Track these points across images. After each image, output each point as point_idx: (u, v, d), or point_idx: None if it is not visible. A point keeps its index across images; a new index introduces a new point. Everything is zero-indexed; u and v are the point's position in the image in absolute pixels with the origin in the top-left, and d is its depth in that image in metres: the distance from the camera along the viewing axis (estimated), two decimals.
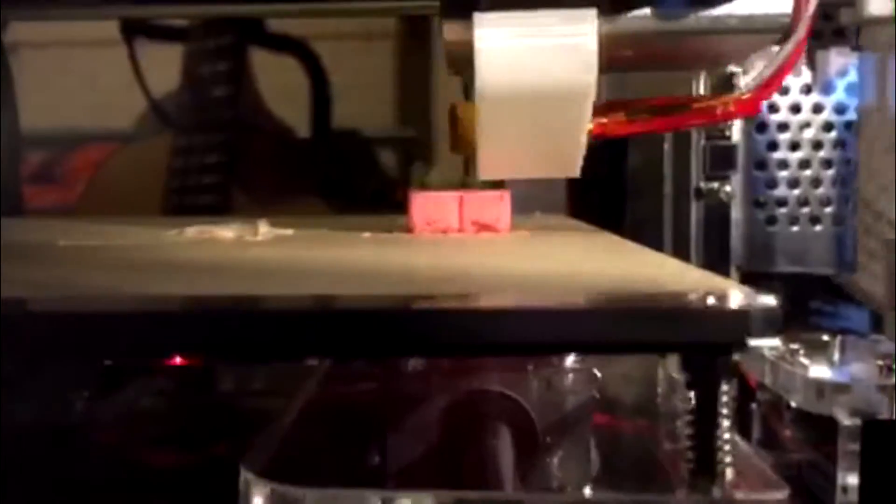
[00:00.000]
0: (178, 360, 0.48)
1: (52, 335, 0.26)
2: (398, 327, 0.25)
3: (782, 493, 0.26)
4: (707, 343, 0.25)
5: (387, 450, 0.32)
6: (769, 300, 0.25)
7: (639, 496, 0.27)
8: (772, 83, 0.41)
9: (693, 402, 0.26)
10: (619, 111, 0.43)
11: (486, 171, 0.44)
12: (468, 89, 0.42)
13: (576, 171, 0.43)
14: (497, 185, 0.49)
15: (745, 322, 0.24)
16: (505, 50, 0.38)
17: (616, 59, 0.41)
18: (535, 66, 0.38)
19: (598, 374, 0.34)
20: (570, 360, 0.34)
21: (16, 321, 0.26)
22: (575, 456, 0.32)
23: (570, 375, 0.33)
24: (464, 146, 0.43)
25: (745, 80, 0.43)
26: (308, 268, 0.36)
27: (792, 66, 0.41)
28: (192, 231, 0.45)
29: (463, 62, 0.39)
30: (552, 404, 0.33)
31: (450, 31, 0.39)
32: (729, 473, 0.26)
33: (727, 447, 0.26)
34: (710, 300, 0.25)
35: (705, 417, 0.26)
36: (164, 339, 0.26)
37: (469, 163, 0.48)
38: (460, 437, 0.31)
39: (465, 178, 0.49)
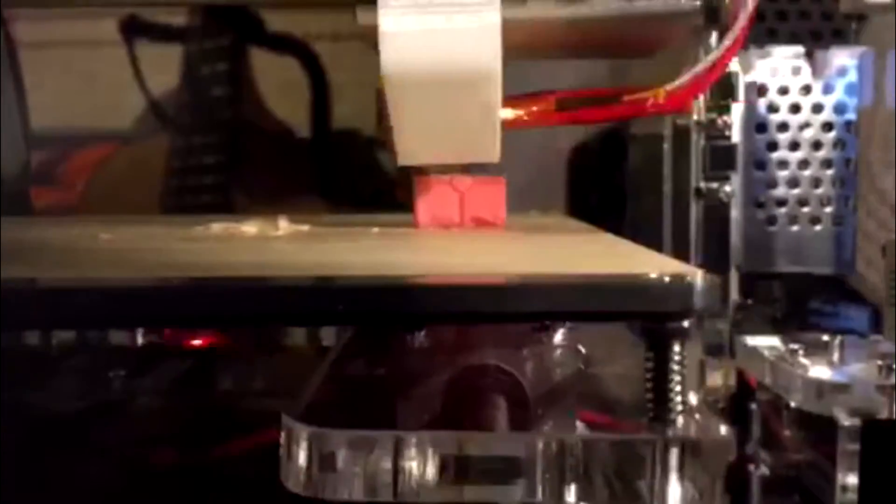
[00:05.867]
0: (197, 341, 0.50)
1: (85, 307, 0.29)
2: (394, 300, 0.30)
3: (723, 433, 0.30)
4: (658, 311, 0.30)
5: (396, 417, 0.35)
6: (711, 277, 0.30)
7: (609, 434, 0.31)
8: (704, 80, 0.42)
9: (651, 362, 0.31)
10: (549, 100, 0.43)
11: (404, 156, 0.45)
12: None
13: (494, 157, 0.44)
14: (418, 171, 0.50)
15: (689, 293, 0.30)
16: (409, 33, 0.38)
17: (525, 44, 0.41)
18: (440, 50, 0.38)
19: (583, 350, 0.37)
20: (558, 337, 0.37)
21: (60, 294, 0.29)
22: (563, 422, 0.35)
23: (559, 351, 0.37)
24: (386, 131, 0.44)
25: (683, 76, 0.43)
26: (328, 256, 0.40)
27: (726, 63, 0.41)
28: (218, 227, 0.48)
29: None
30: (543, 377, 0.36)
31: (362, 15, 0.40)
32: (680, 420, 0.31)
33: (678, 398, 0.31)
34: (665, 278, 0.30)
35: (660, 374, 0.31)
36: (191, 310, 0.30)
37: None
38: (461, 407, 0.34)
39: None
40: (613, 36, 0.43)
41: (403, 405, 0.35)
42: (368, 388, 0.37)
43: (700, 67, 0.41)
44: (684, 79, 0.42)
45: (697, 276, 0.30)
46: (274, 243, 0.44)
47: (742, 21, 0.40)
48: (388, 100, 0.40)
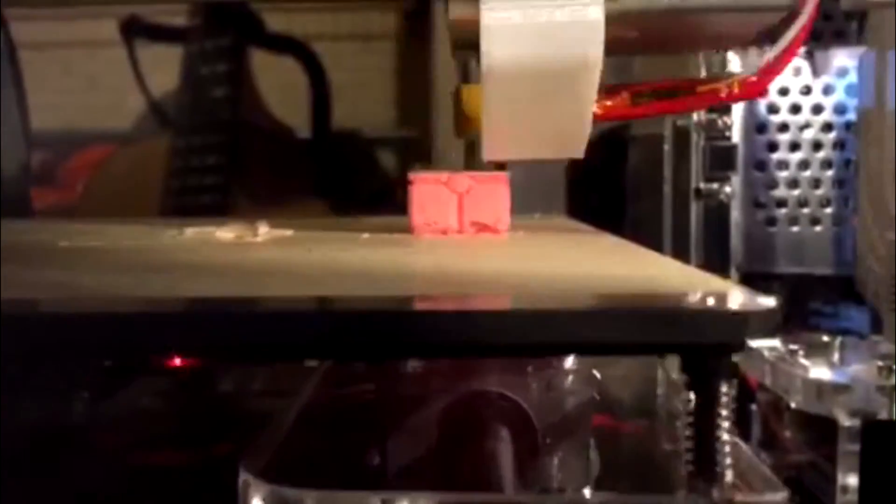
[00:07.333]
0: (177, 361, 0.49)
1: (53, 335, 0.26)
2: (397, 329, 0.25)
3: (781, 495, 0.26)
4: (705, 344, 0.25)
5: (386, 451, 0.32)
6: (768, 301, 0.25)
7: (638, 497, 0.27)
8: (777, 65, 0.41)
9: (692, 403, 0.26)
10: (624, 94, 0.42)
11: (491, 151, 0.44)
12: (467, 73, 0.42)
13: (580, 153, 0.43)
14: (499, 167, 0.48)
15: (743, 323, 0.24)
16: (511, 26, 0.38)
17: (623, 38, 0.40)
18: (542, 43, 0.38)
19: (598, 376, 0.34)
20: (569, 361, 0.34)
21: (18, 321, 0.26)
22: (575, 457, 0.32)
23: (570, 377, 0.34)
24: (468, 128, 0.43)
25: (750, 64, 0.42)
26: (305, 269, 0.36)
27: (797, 48, 0.41)
28: (192, 232, 0.46)
29: (468, 42, 0.39)
30: (552, 405, 0.33)
31: (456, 9, 0.39)
32: (728, 475, 0.26)
33: (727, 449, 0.26)
34: (710, 301, 0.25)
35: (704, 419, 0.26)
36: (163, 340, 0.26)
37: (467, 153, 0.48)
38: (460, 439, 0.32)
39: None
40: (709, 28, 0.43)
41: (395, 437, 0.31)
42: (355, 417, 0.34)
43: (772, 55, 0.41)
44: (758, 68, 0.41)
45: (753, 301, 0.25)
46: (246, 250, 0.41)
47: (808, 8, 0.40)
48: (485, 93, 0.39)
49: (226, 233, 0.44)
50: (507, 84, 0.39)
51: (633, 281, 0.31)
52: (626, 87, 0.43)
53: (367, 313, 0.26)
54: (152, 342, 0.26)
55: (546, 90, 0.39)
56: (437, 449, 0.31)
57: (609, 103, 0.42)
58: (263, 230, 0.45)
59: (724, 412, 0.26)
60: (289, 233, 0.46)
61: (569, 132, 0.42)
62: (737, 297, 0.25)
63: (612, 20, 0.38)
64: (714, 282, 0.30)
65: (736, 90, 0.42)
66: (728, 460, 0.26)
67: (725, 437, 0.26)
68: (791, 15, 0.40)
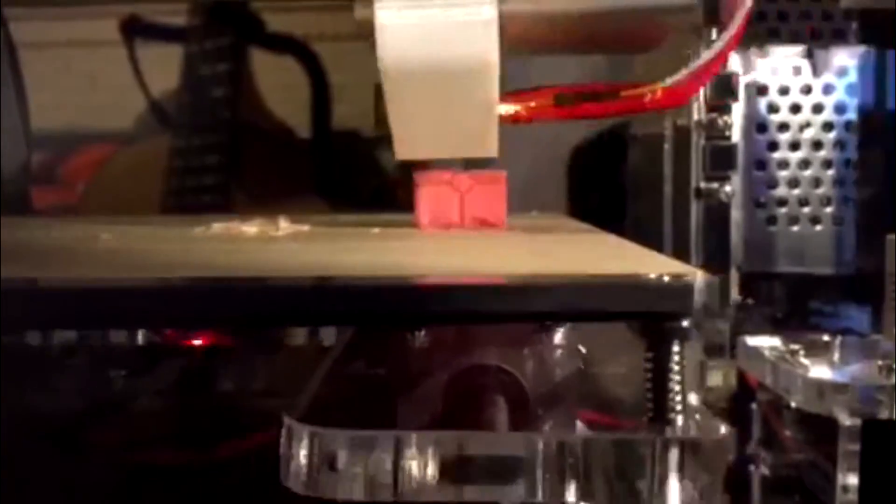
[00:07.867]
0: (197, 341, 0.50)
1: (87, 308, 0.30)
2: (394, 300, 0.30)
3: (723, 433, 0.30)
4: (657, 311, 0.30)
5: (397, 417, 0.35)
6: (710, 277, 0.30)
7: (608, 434, 0.31)
8: (701, 76, 0.42)
9: (650, 362, 0.31)
10: (547, 96, 0.43)
11: (401, 150, 0.45)
12: None
13: (493, 152, 0.44)
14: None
15: (687, 292, 0.30)
16: (406, 26, 0.38)
17: (523, 39, 0.41)
18: (437, 43, 0.39)
19: (583, 350, 0.38)
20: (558, 337, 0.38)
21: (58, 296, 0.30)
22: (563, 422, 0.36)
23: (559, 351, 0.37)
24: (384, 125, 0.44)
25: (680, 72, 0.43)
26: (328, 257, 0.40)
27: (723, 60, 0.41)
28: (219, 227, 0.48)
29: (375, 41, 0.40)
30: (543, 377, 0.36)
31: (359, 9, 0.40)
32: (679, 419, 0.30)
33: (678, 398, 0.30)
34: (664, 278, 0.30)
35: (659, 374, 0.30)
36: (190, 312, 0.30)
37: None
38: (462, 407, 0.34)
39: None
40: (610, 30, 0.43)
41: (404, 405, 0.35)
42: (369, 389, 0.37)
43: (697, 64, 0.41)
44: (682, 75, 0.42)
45: (696, 276, 0.30)
46: (275, 243, 0.44)
47: (739, 18, 0.40)
48: (386, 94, 0.41)
49: (250, 227, 0.47)
50: (406, 84, 0.40)
51: (610, 267, 0.35)
52: (550, 89, 0.43)
53: (379, 287, 0.30)
54: (179, 314, 0.30)
55: (446, 90, 0.40)
56: (441, 415, 0.34)
57: (533, 104, 0.43)
58: (284, 225, 0.48)
59: (675, 368, 0.30)
60: (305, 228, 0.49)
61: (476, 131, 0.43)
62: (686, 275, 0.30)
63: (508, 20, 0.39)
64: (679, 266, 0.34)
65: (659, 97, 0.42)
66: (678, 407, 0.30)
67: (676, 387, 0.30)
68: (724, 23, 0.41)
